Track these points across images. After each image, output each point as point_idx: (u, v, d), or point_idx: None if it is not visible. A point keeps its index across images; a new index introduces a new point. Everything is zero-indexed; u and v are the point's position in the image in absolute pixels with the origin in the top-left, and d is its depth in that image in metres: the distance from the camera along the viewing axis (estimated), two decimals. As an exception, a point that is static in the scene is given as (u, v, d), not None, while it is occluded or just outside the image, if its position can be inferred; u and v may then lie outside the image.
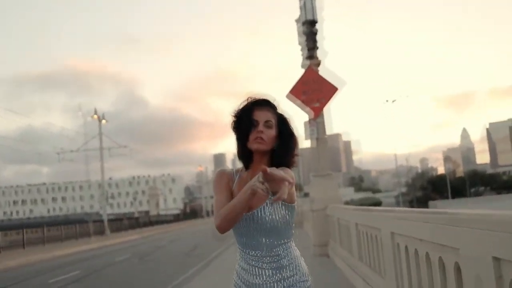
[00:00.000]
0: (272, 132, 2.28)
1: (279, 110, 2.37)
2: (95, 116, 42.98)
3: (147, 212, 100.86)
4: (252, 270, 2.28)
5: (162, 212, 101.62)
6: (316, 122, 12.16)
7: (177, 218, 77.93)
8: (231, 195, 2.28)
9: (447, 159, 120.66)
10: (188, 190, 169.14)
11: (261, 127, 2.25)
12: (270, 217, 2.23)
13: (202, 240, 27.89)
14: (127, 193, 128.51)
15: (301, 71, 12.51)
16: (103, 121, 43.28)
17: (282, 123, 2.34)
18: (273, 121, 2.29)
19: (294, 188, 2.26)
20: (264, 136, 2.25)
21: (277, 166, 2.19)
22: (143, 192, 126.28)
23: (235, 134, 2.35)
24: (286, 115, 2.39)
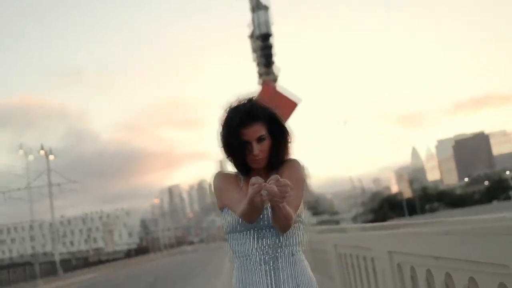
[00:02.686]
0: (266, 143, 2.11)
1: (263, 108, 2.16)
2: (42, 152, 41.15)
3: (101, 249, 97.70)
4: None
5: (118, 248, 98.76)
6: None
7: (129, 254, 74.73)
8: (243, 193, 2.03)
9: (399, 178, 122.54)
10: (143, 224, 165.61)
11: (255, 148, 2.08)
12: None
13: (161, 275, 26.65)
14: (80, 231, 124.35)
15: (258, 89, 11.88)
16: (51, 157, 41.50)
17: (271, 124, 2.14)
18: (264, 131, 2.11)
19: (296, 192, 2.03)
20: (261, 154, 2.09)
21: (275, 164, 2.16)
22: (97, 228, 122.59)
23: (226, 156, 2.18)
24: (271, 111, 2.17)
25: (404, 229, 3.60)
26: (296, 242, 2.15)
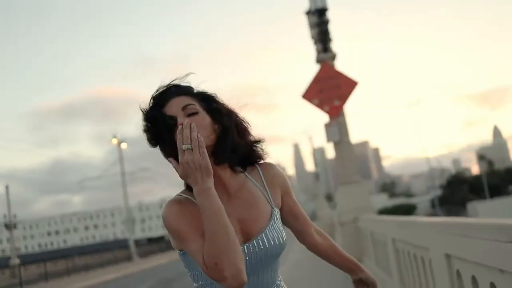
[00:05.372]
0: (201, 118, 1.50)
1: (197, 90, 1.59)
2: (115, 140, 42.13)
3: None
4: None
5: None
6: (338, 122, 10.74)
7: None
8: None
9: (480, 158, 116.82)
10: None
11: (182, 119, 1.46)
12: (277, 238, 1.54)
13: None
14: (158, 216, 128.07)
15: (317, 67, 11.16)
16: (123, 145, 42.41)
17: (208, 101, 1.57)
18: (196, 103, 1.53)
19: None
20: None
21: (227, 157, 1.53)
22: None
23: (161, 151, 1.55)
24: (208, 92, 1.59)
25: (466, 230, 2.86)
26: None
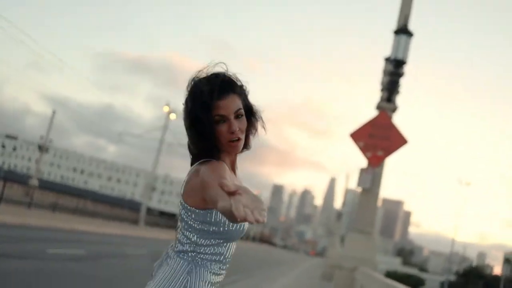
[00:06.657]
0: (244, 122, 1.69)
1: (238, 80, 1.72)
2: (166, 108, 42.82)
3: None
4: None
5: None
6: (374, 171, 10.67)
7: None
8: None
9: (506, 261, 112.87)
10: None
11: (234, 125, 1.63)
12: None
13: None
14: (178, 194, 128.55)
15: (375, 113, 11.13)
16: (172, 115, 42.96)
17: (246, 101, 1.73)
18: (242, 106, 1.69)
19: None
20: (240, 133, 1.66)
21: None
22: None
23: (191, 128, 1.69)
24: (244, 84, 1.73)
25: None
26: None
